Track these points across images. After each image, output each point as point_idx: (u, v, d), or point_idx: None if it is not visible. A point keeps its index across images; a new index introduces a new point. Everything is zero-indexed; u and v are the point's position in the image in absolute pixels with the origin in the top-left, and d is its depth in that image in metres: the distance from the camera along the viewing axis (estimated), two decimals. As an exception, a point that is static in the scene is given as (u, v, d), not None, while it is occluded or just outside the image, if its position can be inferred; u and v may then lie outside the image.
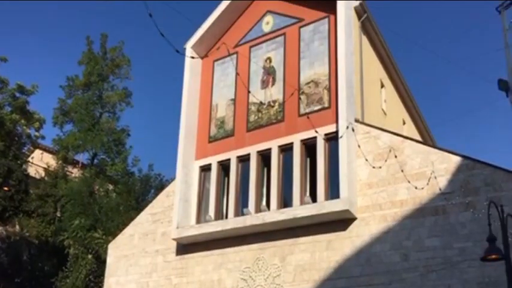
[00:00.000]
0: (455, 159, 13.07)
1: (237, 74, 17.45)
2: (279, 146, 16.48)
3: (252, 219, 15.87)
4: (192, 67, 19.23)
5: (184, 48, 19.01)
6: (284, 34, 17.63)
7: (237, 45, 18.60)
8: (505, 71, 11.90)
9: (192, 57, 18.37)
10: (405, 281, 12.50)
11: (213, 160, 17.95)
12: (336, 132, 15.09)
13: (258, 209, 16.21)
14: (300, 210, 14.97)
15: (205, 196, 18.00)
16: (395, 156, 13.73)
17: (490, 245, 9.26)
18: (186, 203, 17.75)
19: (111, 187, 28.12)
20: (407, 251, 12.89)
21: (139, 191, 27.32)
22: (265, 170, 16.86)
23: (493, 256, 9.25)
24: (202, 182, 18.25)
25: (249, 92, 16.81)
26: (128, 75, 31.80)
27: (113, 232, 22.84)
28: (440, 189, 12.69)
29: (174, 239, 17.28)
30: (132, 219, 20.24)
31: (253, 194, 16.45)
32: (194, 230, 17.10)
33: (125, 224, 20.84)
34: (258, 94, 17.30)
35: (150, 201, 20.70)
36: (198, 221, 17.63)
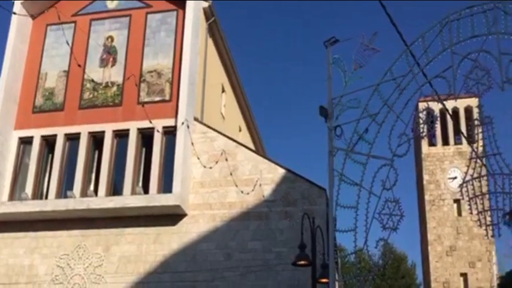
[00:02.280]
0: (281, 171, 13.57)
1: (69, 44, 15.11)
2: (114, 131, 14.86)
3: (76, 203, 14.16)
4: (19, 26, 15.99)
5: (13, 2, 15.76)
6: (130, 16, 15.75)
7: (76, 14, 15.97)
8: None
9: (14, 13, 15.25)
10: (227, 279, 12.59)
11: (36, 133, 15.34)
12: (175, 127, 14.24)
13: (84, 194, 14.48)
14: (130, 200, 13.86)
15: (22, 171, 15.36)
16: (226, 160, 13.69)
17: (301, 252, 9.72)
18: (-2, 175, 15.09)
19: None
20: (231, 251, 12.96)
21: None
22: (97, 153, 15.21)
23: (302, 262, 9.76)
24: (21, 155, 15.53)
25: (79, 65, 14.63)
26: None
27: None
28: (263, 196, 13.19)
29: (-21, 215, 14.61)
30: None
31: (80, 176, 14.57)
32: (5, 207, 14.50)
33: None
34: (95, 72, 15.28)
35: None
36: (12, 198, 15.01)
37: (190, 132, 13.95)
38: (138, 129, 14.68)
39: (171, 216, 13.67)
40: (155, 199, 13.67)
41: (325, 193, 12.26)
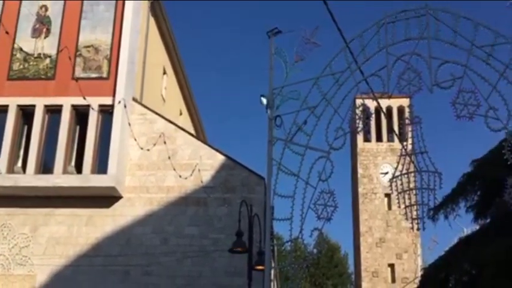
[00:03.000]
0: (220, 158, 13.68)
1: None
2: (46, 106, 14.28)
3: (3, 179, 13.57)
4: None
5: None
6: (66, -16, 15.23)
7: (5, -22, 15.24)
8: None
9: None
10: (162, 264, 12.63)
11: (-42, 104, 14.68)
12: (112, 106, 13.91)
13: (11, 170, 14.00)
14: (62, 179, 13.50)
15: None
16: (165, 143, 13.66)
17: (238, 239, 9.97)
18: None
19: None
20: (167, 236, 13.01)
21: None
22: (26, 128, 14.67)
23: (239, 249, 10.04)
24: None
25: (6, 33, 13.88)
26: None
27: None
28: (202, 182, 13.32)
29: None
30: None
31: (6, 151, 13.88)
32: None
33: None
34: (26, 42, 14.55)
35: None
36: None
37: (128, 113, 13.73)
38: (72, 105, 14.21)
39: (106, 198, 13.50)
40: (89, 179, 13.44)
41: (263, 182, 12.58)
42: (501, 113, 6.23)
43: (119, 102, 13.67)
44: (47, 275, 13.05)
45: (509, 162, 6.36)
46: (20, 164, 14.18)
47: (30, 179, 13.60)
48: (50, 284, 12.98)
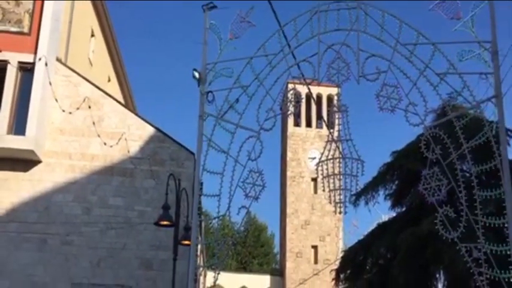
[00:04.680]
0: (150, 129, 13.65)
1: None
2: (-44, 58, 13.85)
3: None
4: None
5: None
6: None
7: None
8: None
9: None
10: (84, 234, 12.65)
11: None
12: (33, 63, 13.57)
13: None
14: (-27, 139, 13.29)
15: None
16: (90, 107, 13.53)
17: (164, 212, 10.16)
18: None
19: None
20: (90, 205, 13.00)
21: None
22: None
23: (165, 222, 10.25)
24: None
25: None
26: None
27: None
28: (129, 152, 13.39)
29: None
30: None
31: None
32: None
33: None
34: None
35: None
36: None
37: (50, 73, 13.40)
38: (-12, 60, 13.74)
39: (23, 162, 13.19)
40: (4, 140, 13.02)
41: (193, 157, 12.84)
42: (420, 109, 6.91)
43: (40, 59, 13.34)
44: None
45: (424, 155, 7.11)
46: None
47: None
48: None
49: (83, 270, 12.68)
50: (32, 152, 13.08)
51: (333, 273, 16.78)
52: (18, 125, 13.45)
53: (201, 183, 8.58)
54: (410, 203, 14.22)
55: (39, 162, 13.35)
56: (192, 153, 12.95)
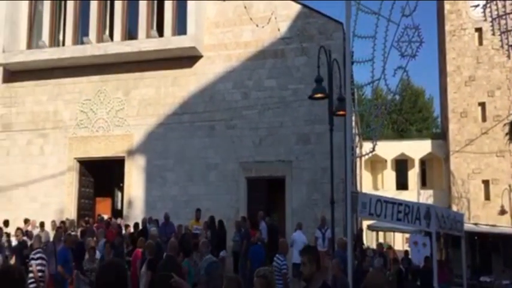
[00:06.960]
0: (296, 7, 13.88)
1: None
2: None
3: (93, 49, 15.40)
4: None
5: None
6: None
7: None
8: None
9: None
10: (244, 117, 13.87)
11: (46, -22, 16.35)
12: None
13: (100, 39, 15.73)
14: (145, 43, 14.94)
15: (37, 19, 16.74)
16: None
17: (317, 85, 10.20)
18: (13, 25, 16.48)
19: None
20: (248, 90, 14.06)
21: None
22: (109, -1, 16.11)
23: (319, 95, 10.30)
24: (34, 2, 16.84)
25: None
26: None
27: None
28: (279, 31, 13.78)
29: (0, 65, 16.38)
30: None
31: (94, 21, 15.47)
32: (24, 55, 16.12)
33: None
34: None
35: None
36: (29, 46, 16.63)
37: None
38: (149, -31, 15.30)
39: (188, 58, 14.78)
40: (170, 42, 14.72)
41: (342, 27, 12.83)
42: None
43: None
44: (142, 134, 15.10)
45: None
46: (107, 32, 15.83)
47: (118, 46, 15.21)
48: (146, 141, 15.05)
49: (247, 149, 13.93)
50: (194, 48, 14.50)
51: (506, 128, 15.31)
52: (180, 25, 14.95)
53: (352, 51, 8.42)
54: None
55: (200, 56, 14.72)
56: (340, 23, 12.94)
